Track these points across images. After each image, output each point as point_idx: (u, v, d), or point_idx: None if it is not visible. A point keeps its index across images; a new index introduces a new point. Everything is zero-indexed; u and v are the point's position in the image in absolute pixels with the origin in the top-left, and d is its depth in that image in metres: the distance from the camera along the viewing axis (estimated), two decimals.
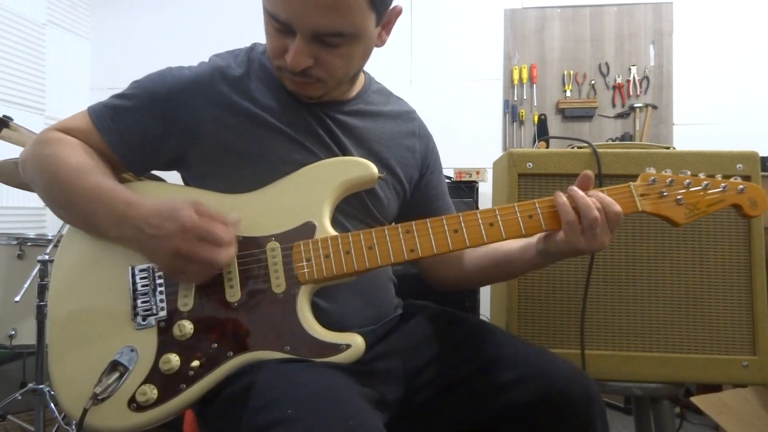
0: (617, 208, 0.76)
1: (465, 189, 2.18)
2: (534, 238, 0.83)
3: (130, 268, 0.76)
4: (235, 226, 0.74)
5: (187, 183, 0.89)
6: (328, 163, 0.82)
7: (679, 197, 0.79)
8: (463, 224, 0.77)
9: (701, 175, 0.81)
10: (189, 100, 0.81)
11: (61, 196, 0.78)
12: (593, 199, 0.76)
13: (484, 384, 0.78)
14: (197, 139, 0.81)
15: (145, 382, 0.71)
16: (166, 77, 0.83)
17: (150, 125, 0.81)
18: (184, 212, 0.70)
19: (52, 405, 1.70)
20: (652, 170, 0.81)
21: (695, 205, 0.79)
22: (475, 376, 0.79)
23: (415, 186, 0.99)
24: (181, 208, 0.70)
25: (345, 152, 0.87)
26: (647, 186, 0.80)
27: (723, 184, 0.80)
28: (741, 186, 0.80)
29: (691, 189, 0.80)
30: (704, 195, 0.80)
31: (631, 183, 0.80)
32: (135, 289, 0.75)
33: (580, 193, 0.76)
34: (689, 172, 0.81)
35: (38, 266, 1.65)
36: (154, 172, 0.96)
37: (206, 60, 0.87)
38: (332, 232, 0.77)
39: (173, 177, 0.94)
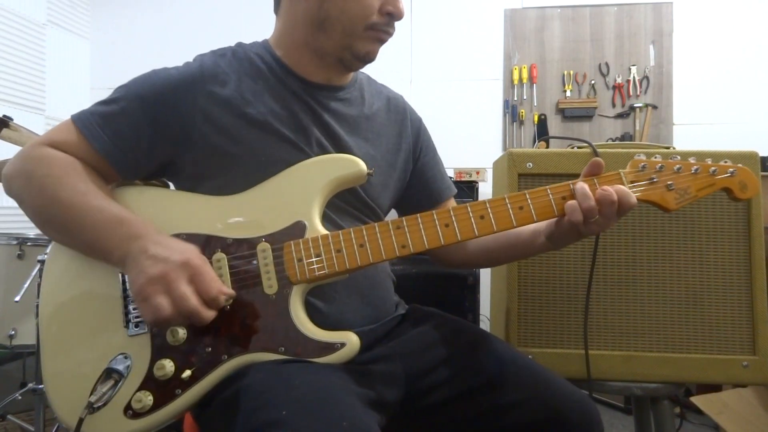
0: (633, 200, 0.75)
1: (465, 189, 2.18)
2: (543, 225, 0.83)
3: (120, 275, 0.76)
4: (226, 297, 0.72)
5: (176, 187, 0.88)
6: (316, 161, 0.81)
7: (669, 183, 0.79)
8: (453, 218, 0.76)
9: (691, 160, 0.80)
10: (178, 100, 0.80)
11: (60, 221, 0.75)
12: (609, 190, 0.75)
13: (484, 402, 0.78)
14: (188, 141, 0.80)
15: (140, 388, 0.71)
16: (152, 79, 0.81)
17: (141, 129, 0.79)
18: (194, 253, 0.71)
19: (48, 398, 1.69)
20: (642, 156, 0.80)
21: (686, 190, 0.79)
22: (476, 393, 0.79)
23: (411, 171, 0.99)
24: (194, 248, 0.72)
25: (338, 142, 0.87)
26: (637, 172, 0.79)
27: (713, 168, 0.79)
28: (731, 169, 0.79)
29: (682, 174, 0.79)
30: (694, 179, 0.79)
31: (621, 170, 0.79)
32: (126, 296, 0.75)
33: (586, 191, 0.75)
34: (679, 158, 0.80)
35: (38, 266, 1.65)
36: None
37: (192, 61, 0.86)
38: (323, 230, 0.77)
39: None
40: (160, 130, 0.80)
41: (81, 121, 0.80)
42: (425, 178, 1.01)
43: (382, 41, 0.85)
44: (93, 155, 0.79)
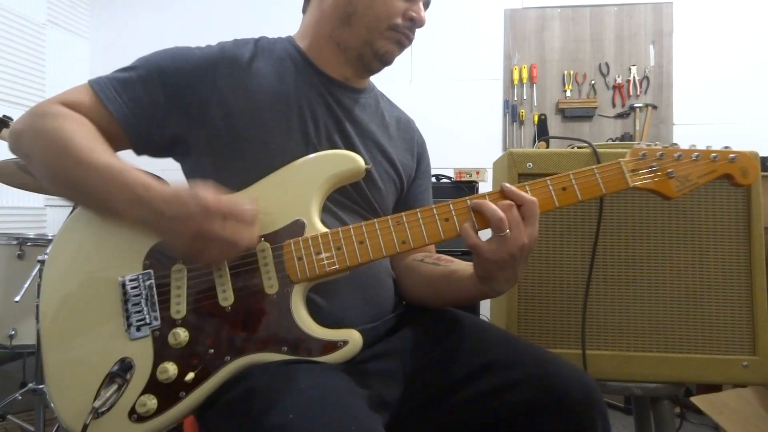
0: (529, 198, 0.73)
1: (465, 189, 2.18)
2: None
3: (119, 278, 0.75)
4: (255, 207, 0.72)
5: (183, 171, 0.89)
6: (314, 159, 0.81)
7: (670, 170, 0.78)
8: (453, 213, 0.76)
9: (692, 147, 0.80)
10: (197, 79, 0.81)
11: (69, 175, 0.74)
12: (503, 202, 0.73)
13: (483, 385, 0.77)
14: (202, 118, 0.81)
15: (144, 392, 0.70)
16: (175, 54, 0.83)
17: (157, 98, 0.80)
18: (206, 193, 0.69)
19: (52, 405, 1.69)
20: (642, 145, 0.80)
21: (687, 178, 0.78)
22: (475, 377, 0.78)
23: (406, 191, 1.00)
24: (202, 189, 0.69)
25: (348, 140, 0.87)
26: (637, 161, 0.79)
27: (713, 154, 0.79)
28: (732, 155, 0.79)
29: (682, 161, 0.79)
30: (695, 166, 0.79)
31: (621, 159, 0.79)
32: (126, 300, 0.74)
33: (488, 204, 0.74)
34: (680, 145, 0.80)
35: (38, 266, 1.66)
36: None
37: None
38: (322, 228, 0.77)
39: (168, 175, 0.93)
40: (176, 102, 0.81)
41: (98, 84, 0.80)
42: (413, 205, 0.98)
43: (402, 45, 0.90)
44: (107, 118, 0.79)
